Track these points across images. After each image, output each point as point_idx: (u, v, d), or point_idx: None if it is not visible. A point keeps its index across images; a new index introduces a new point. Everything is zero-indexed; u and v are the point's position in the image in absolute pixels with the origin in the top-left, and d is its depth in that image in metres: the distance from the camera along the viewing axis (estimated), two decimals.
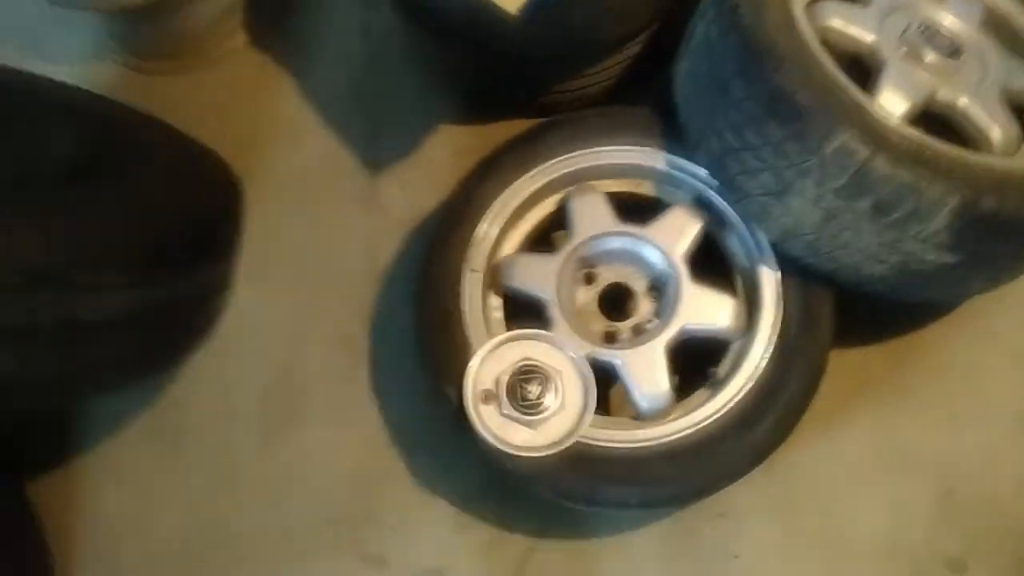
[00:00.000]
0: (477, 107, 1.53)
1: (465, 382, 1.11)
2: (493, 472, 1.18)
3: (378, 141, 1.56)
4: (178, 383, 1.39)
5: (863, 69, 1.12)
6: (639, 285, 1.25)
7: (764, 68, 1.01)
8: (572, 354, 1.12)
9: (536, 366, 1.12)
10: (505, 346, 1.14)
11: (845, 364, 1.26)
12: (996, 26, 1.23)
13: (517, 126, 1.41)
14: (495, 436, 1.09)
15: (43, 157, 1.08)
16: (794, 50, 1.02)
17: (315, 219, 1.51)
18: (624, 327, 1.23)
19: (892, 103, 1.06)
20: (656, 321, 1.21)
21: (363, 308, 1.43)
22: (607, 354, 1.16)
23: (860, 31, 1.13)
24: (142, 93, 1.61)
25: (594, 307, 1.26)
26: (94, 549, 1.32)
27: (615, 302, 1.26)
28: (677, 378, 1.17)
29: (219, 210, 1.26)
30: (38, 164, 1.07)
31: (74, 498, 1.34)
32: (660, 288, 1.23)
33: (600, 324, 1.24)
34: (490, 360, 1.13)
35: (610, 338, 1.23)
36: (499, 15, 1.04)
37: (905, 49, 1.12)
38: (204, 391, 1.40)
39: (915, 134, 0.99)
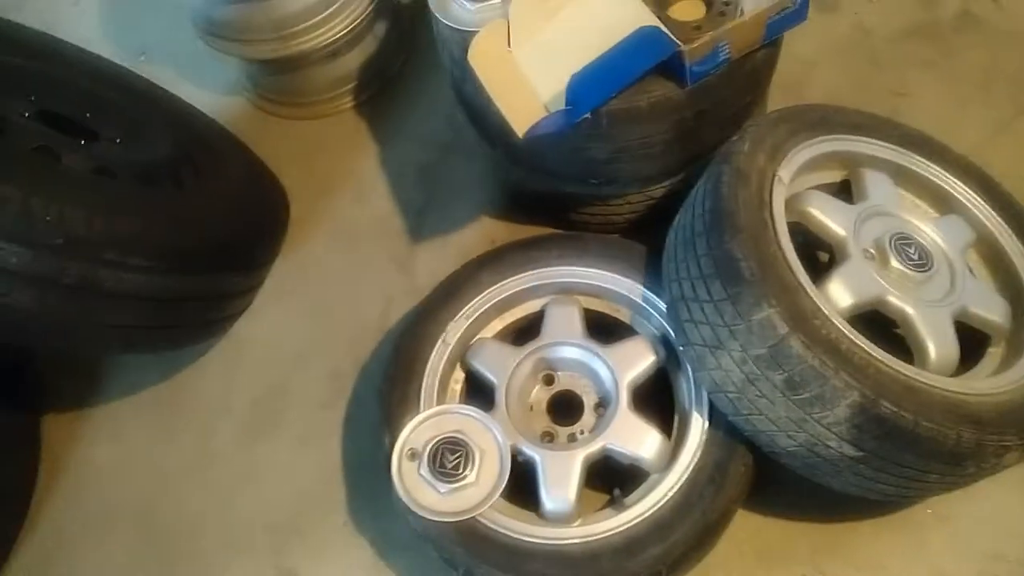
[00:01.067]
0: (515, 208, 1.70)
1: (398, 436, 1.24)
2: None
3: (427, 215, 1.76)
4: (189, 370, 1.61)
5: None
6: (589, 398, 1.34)
7: (723, 233, 1.12)
8: (499, 438, 1.23)
9: (463, 440, 1.23)
10: (443, 416, 1.26)
11: (754, 530, 1.29)
12: (985, 252, 1.28)
13: (545, 231, 1.60)
14: (405, 491, 1.20)
15: (132, 154, 1.34)
16: (753, 224, 1.12)
17: (351, 264, 1.72)
18: (563, 432, 1.32)
19: (838, 295, 1.13)
20: (587, 435, 1.29)
21: (362, 352, 1.60)
22: (531, 449, 1.25)
23: (835, 224, 1.21)
24: (258, 128, 1.93)
25: (543, 406, 1.36)
26: (73, 491, 1.53)
27: (565, 407, 1.36)
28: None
29: (262, 230, 1.48)
30: (126, 158, 1.33)
31: (73, 442, 1.56)
32: (605, 406, 1.32)
33: (543, 423, 1.34)
34: (427, 424, 1.26)
35: (547, 437, 1.32)
36: (511, 134, 1.21)
37: (873, 251, 1.19)
38: (208, 384, 1.61)
39: (838, 326, 1.06)
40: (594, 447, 1.24)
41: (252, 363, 1.63)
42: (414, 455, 1.24)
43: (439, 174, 1.82)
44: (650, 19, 1.21)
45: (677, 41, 1.17)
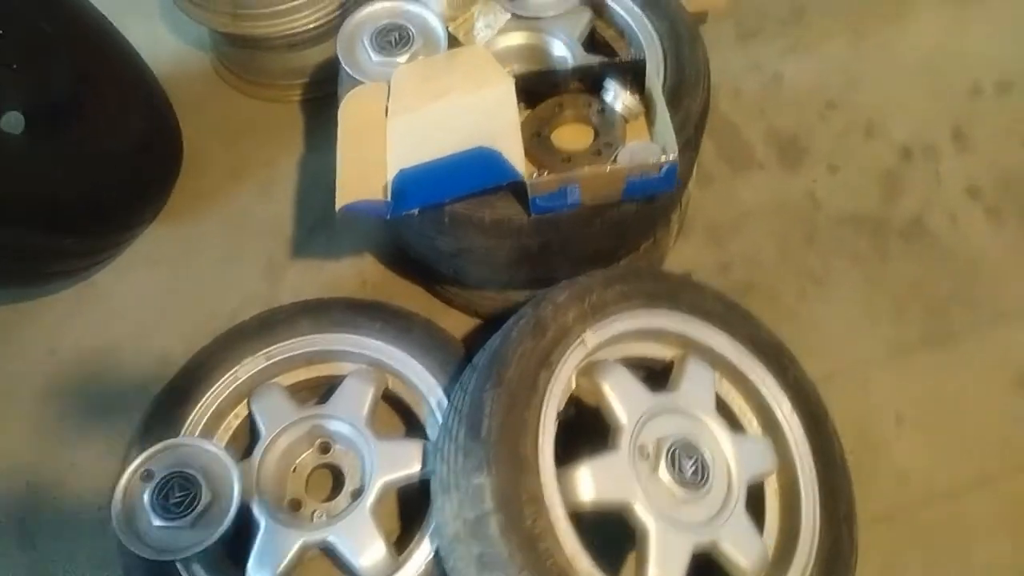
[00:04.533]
0: (398, 259, 1.65)
1: (142, 452, 1.22)
2: None
3: (318, 233, 1.72)
4: (38, 302, 1.64)
5: None
6: (351, 482, 1.30)
7: (487, 380, 1.07)
8: (236, 490, 1.19)
9: (197, 479, 1.20)
10: (190, 448, 1.23)
11: None
12: (784, 485, 1.21)
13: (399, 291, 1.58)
14: (123, 510, 1.17)
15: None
16: (519, 382, 1.06)
17: (226, 254, 1.70)
18: (312, 505, 1.30)
19: (582, 486, 1.05)
20: (324, 519, 1.26)
21: (196, 344, 1.53)
22: (260, 513, 1.22)
23: (621, 409, 1.13)
24: (205, 89, 1.92)
25: (307, 472, 1.34)
26: None
27: (332, 481, 1.34)
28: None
29: (132, 195, 1.46)
30: None
31: None
32: (356, 498, 1.27)
33: (297, 488, 1.32)
34: (173, 451, 1.23)
35: (294, 504, 1.30)
36: None
37: (649, 451, 1.12)
38: (47, 320, 1.63)
39: (553, 520, 0.99)
40: (316, 535, 1.20)
41: (97, 316, 1.63)
42: (148, 477, 1.21)
43: None
44: (509, 139, 1.14)
45: (518, 171, 1.11)
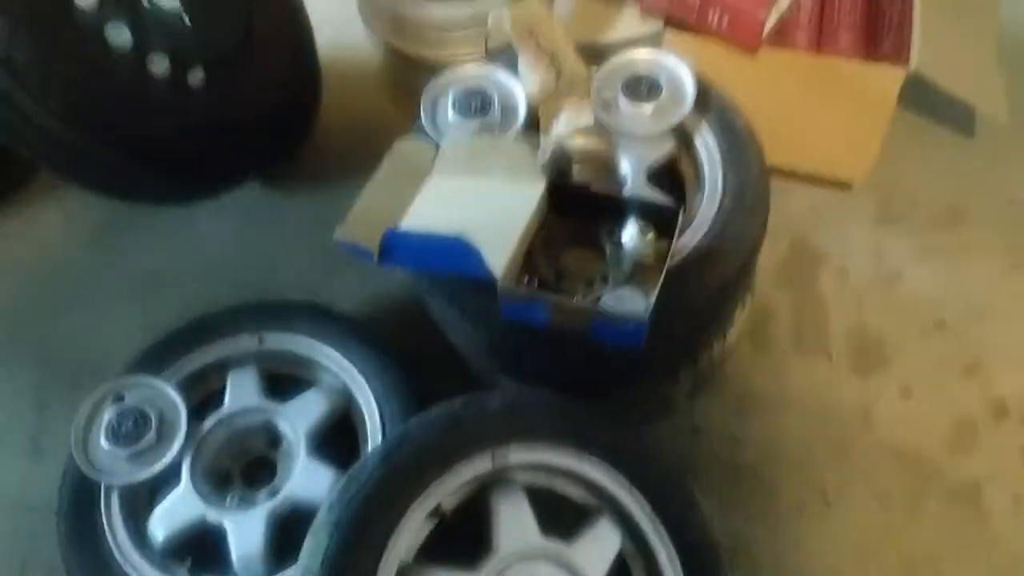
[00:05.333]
0: None
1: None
2: None
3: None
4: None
5: None
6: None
7: None
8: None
9: (147, 413, 1.32)
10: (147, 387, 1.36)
11: None
12: None
13: None
14: (85, 415, 1.32)
15: None
16: None
17: (303, 231, 1.84)
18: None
19: None
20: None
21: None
22: (218, 515, 1.29)
23: None
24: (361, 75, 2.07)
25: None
26: None
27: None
28: None
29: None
30: None
31: None
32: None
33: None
34: (139, 387, 1.36)
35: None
36: None
37: None
38: None
39: None
40: (214, 516, 1.28)
41: (178, 244, 1.84)
42: (118, 399, 1.34)
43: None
44: (507, 237, 1.15)
45: (490, 271, 1.11)
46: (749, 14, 1.49)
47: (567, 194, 1.24)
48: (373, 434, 1.34)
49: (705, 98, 1.36)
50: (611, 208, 1.22)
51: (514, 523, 1.12)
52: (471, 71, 1.41)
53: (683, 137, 1.37)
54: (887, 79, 1.50)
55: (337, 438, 1.39)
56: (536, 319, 1.14)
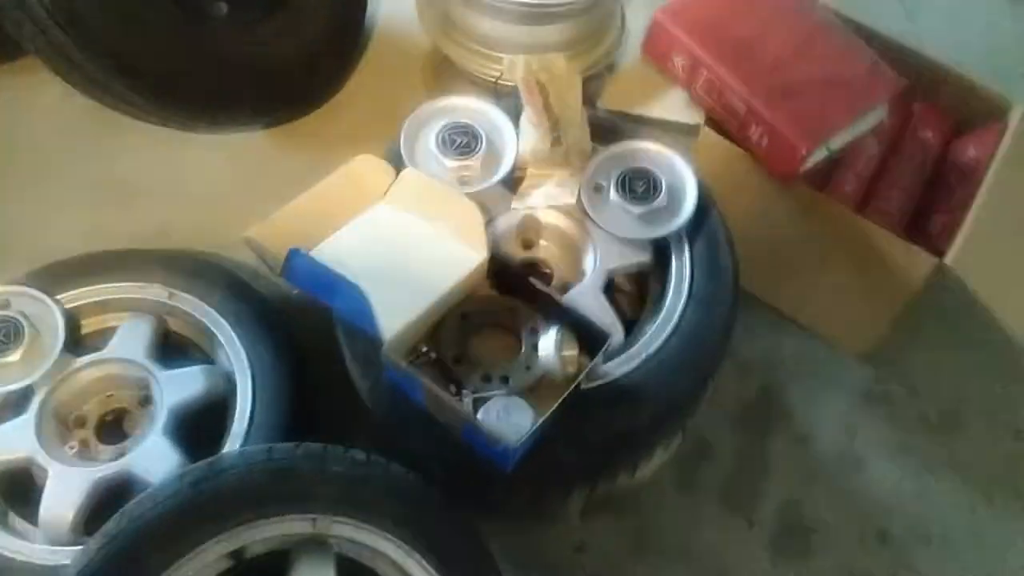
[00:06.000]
0: None
1: None
2: None
3: None
4: None
5: None
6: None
7: None
8: None
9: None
10: None
11: None
12: None
13: None
14: None
15: None
16: None
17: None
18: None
19: None
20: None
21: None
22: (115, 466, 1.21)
23: None
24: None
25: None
26: None
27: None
28: None
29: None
30: None
31: None
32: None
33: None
34: None
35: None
36: None
37: None
38: None
39: None
40: (112, 469, 1.21)
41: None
42: None
43: None
44: (419, 297, 1.05)
45: (376, 328, 1.00)
46: (790, 143, 1.33)
47: (505, 273, 1.13)
48: (235, 436, 1.25)
49: (702, 220, 1.23)
50: (544, 306, 1.11)
51: None
52: (468, 104, 1.30)
53: (660, 253, 1.24)
54: (919, 263, 1.34)
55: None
56: (414, 396, 1.04)
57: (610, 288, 1.21)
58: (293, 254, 1.05)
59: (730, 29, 1.42)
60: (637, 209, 1.21)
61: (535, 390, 1.07)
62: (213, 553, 0.99)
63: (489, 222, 1.24)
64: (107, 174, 1.75)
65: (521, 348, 1.11)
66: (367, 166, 1.18)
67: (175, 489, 0.98)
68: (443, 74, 1.91)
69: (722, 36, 1.43)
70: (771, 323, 1.64)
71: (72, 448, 1.26)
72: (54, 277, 1.35)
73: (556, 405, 1.00)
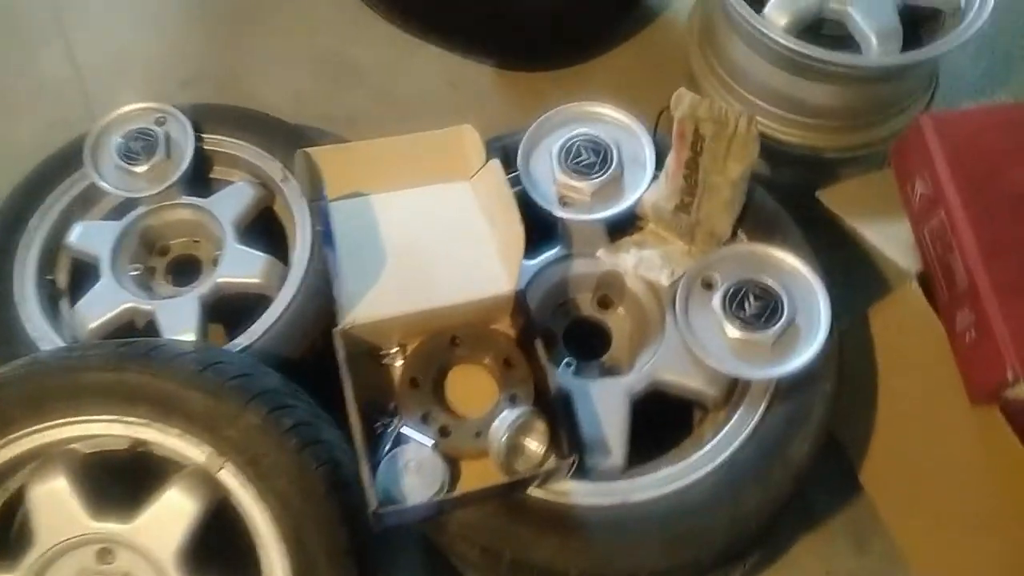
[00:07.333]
0: None
1: None
2: None
3: None
4: None
5: None
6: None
7: None
8: None
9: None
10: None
11: None
12: None
13: None
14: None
15: None
16: None
17: None
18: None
19: None
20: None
21: None
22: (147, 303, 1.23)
23: None
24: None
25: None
26: None
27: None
28: None
29: None
30: None
31: None
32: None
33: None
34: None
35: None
36: None
37: None
38: None
39: None
40: (144, 304, 1.23)
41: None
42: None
43: None
44: (407, 298, 0.92)
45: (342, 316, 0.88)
46: (999, 354, 0.90)
47: (524, 322, 0.94)
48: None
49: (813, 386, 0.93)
50: (539, 383, 0.90)
51: (55, 510, 0.91)
52: (621, 121, 1.08)
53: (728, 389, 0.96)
54: None
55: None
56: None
57: (644, 399, 0.96)
58: (322, 199, 0.97)
59: (1004, 174, 1.01)
60: (735, 332, 0.93)
61: (477, 459, 0.89)
62: None
63: (566, 257, 1.05)
64: (335, 54, 1.80)
65: (496, 405, 0.92)
66: (465, 138, 1.04)
67: None
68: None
69: (987, 179, 1.03)
70: None
71: (136, 270, 1.33)
72: (215, 116, 1.41)
73: (470, 492, 0.82)
